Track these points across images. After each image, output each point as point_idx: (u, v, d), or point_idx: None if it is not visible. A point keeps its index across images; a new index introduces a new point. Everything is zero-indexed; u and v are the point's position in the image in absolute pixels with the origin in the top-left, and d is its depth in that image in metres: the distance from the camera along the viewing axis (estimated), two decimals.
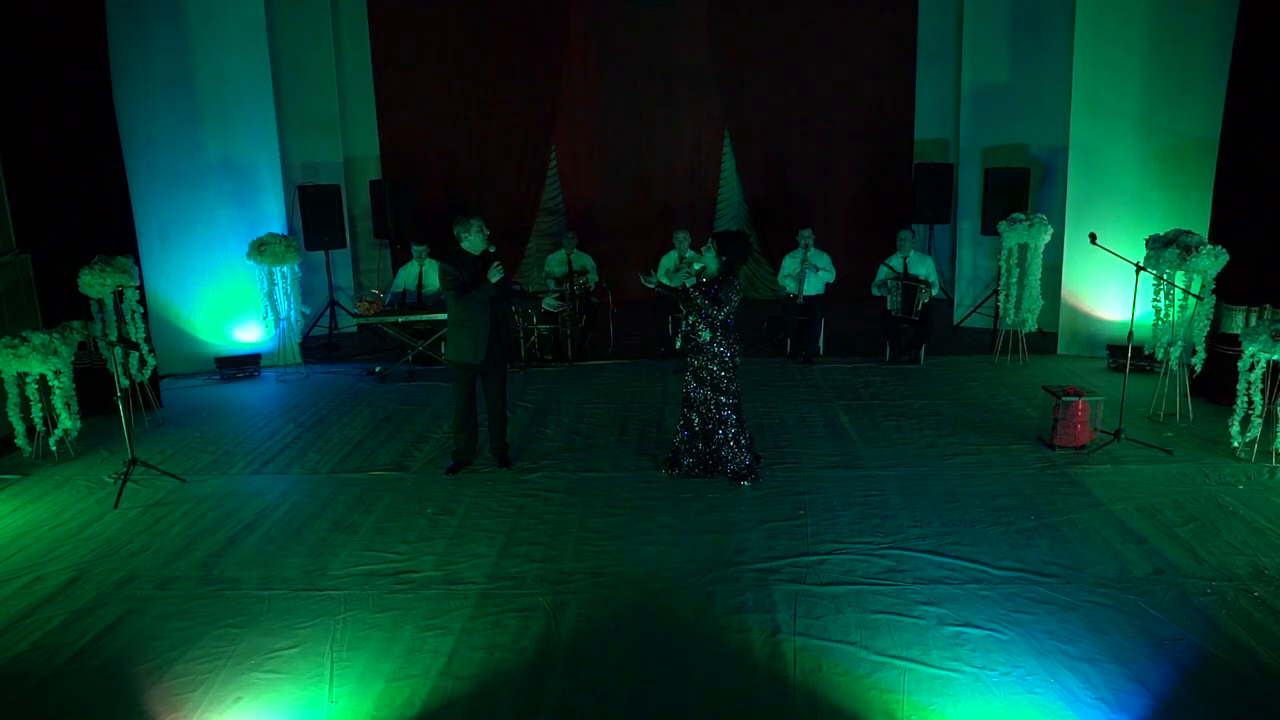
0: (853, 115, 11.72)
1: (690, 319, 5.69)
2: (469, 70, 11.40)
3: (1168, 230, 6.77)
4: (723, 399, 5.69)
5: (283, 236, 8.58)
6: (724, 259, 5.63)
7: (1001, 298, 8.61)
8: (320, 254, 10.05)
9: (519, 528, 5.20)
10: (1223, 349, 6.97)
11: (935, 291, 8.89)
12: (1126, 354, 6.51)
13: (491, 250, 5.87)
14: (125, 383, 6.87)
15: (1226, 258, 6.51)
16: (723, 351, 5.65)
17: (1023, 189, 9.50)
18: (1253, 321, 6.85)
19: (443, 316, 8.11)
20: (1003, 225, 8.46)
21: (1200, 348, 6.78)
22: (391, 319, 8.57)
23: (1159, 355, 6.96)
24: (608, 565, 4.71)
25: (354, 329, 10.43)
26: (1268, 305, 6.94)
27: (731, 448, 5.72)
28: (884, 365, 8.64)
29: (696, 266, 5.79)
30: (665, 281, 8.56)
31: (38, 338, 6.19)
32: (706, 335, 5.63)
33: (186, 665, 3.89)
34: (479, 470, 6.14)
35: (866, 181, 11.93)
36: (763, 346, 9.34)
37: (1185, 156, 8.19)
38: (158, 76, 8.35)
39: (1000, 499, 5.46)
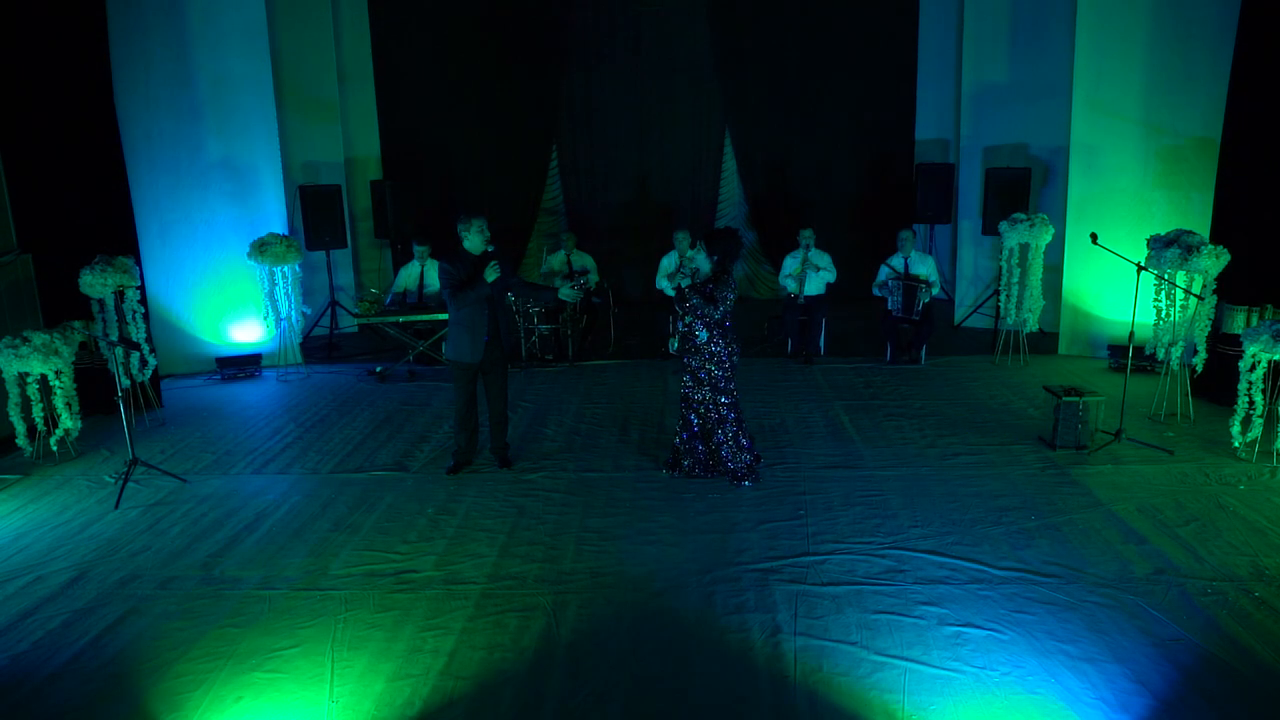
0: (853, 115, 11.72)
1: (687, 320, 5.69)
2: (469, 70, 11.40)
3: (1169, 230, 6.77)
4: (722, 399, 5.70)
5: (283, 236, 8.58)
6: (715, 258, 5.63)
7: (1002, 298, 8.61)
8: (321, 254, 10.05)
9: (520, 528, 5.20)
10: (1224, 349, 6.97)
11: (936, 291, 8.89)
12: (1128, 354, 6.50)
13: (490, 250, 5.86)
14: (126, 383, 6.87)
15: (1228, 258, 6.51)
16: (720, 351, 5.65)
17: (1023, 189, 9.50)
18: (1254, 321, 6.85)
19: (443, 317, 8.12)
20: (1003, 225, 8.45)
21: (1201, 348, 6.77)
22: (392, 319, 8.57)
23: (1160, 355, 6.96)
24: (608, 565, 4.72)
25: (355, 329, 10.43)
26: (1269, 305, 6.95)
27: (731, 448, 5.73)
28: (885, 365, 8.63)
29: (694, 266, 5.81)
30: (666, 292, 8.59)
31: (39, 337, 6.20)
32: (704, 335, 5.64)
33: (187, 665, 3.90)
34: (480, 470, 6.14)
35: (867, 181, 11.93)
36: (763, 347, 9.33)
37: (1186, 156, 8.19)
38: (158, 76, 8.35)
39: (1001, 499, 5.46)
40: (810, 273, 8.93)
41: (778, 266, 9.63)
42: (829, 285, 9.10)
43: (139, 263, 7.47)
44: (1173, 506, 5.30)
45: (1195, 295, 6.66)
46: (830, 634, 4.01)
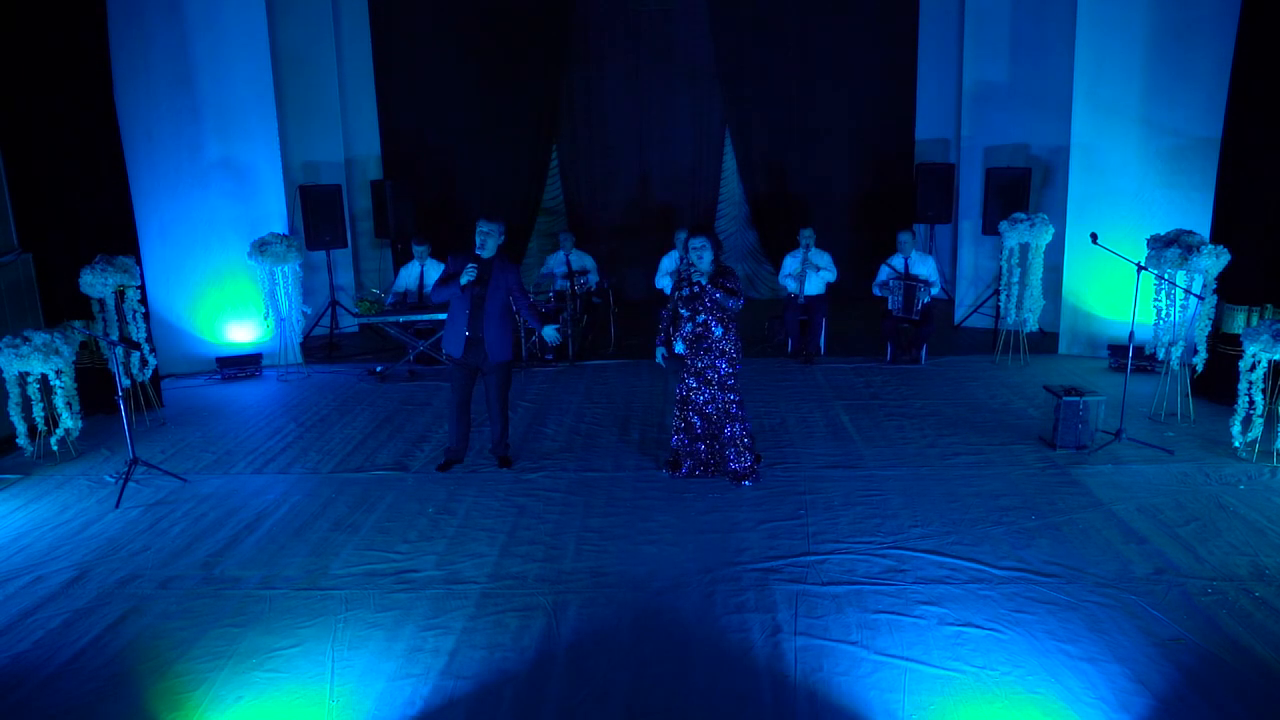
0: (854, 115, 11.71)
1: (701, 318, 5.64)
2: (470, 70, 11.40)
3: (1169, 230, 6.77)
4: (731, 396, 5.68)
5: (284, 236, 8.58)
6: (715, 253, 5.60)
7: (1002, 297, 8.61)
8: (321, 254, 10.05)
9: (520, 527, 5.20)
10: (1224, 349, 6.97)
11: (936, 291, 8.89)
12: (1128, 354, 6.50)
13: (480, 255, 5.83)
14: (126, 382, 6.87)
15: (1228, 257, 6.52)
16: (730, 349, 5.64)
17: (1024, 189, 9.50)
18: (1254, 321, 6.85)
19: (443, 316, 8.11)
20: (1004, 225, 8.45)
21: (1201, 348, 6.77)
22: (393, 319, 8.57)
23: (1160, 355, 6.96)
24: (609, 565, 4.72)
25: (355, 329, 10.43)
26: (1269, 305, 6.95)
27: (737, 446, 5.72)
28: (885, 365, 8.63)
29: (682, 267, 5.79)
30: (666, 292, 8.56)
31: (39, 337, 6.20)
32: (719, 331, 5.61)
33: (188, 664, 3.90)
34: (480, 470, 6.14)
35: (867, 181, 11.92)
36: (763, 346, 9.33)
37: (1187, 156, 8.18)
38: (159, 76, 8.35)
39: (1001, 499, 5.46)
40: (810, 272, 8.93)
41: (778, 266, 9.63)
42: (829, 285, 9.10)
43: (139, 262, 7.47)
44: (1173, 506, 5.30)
45: (1195, 295, 6.66)
46: (830, 634, 4.01)
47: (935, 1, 11.30)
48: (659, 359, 5.93)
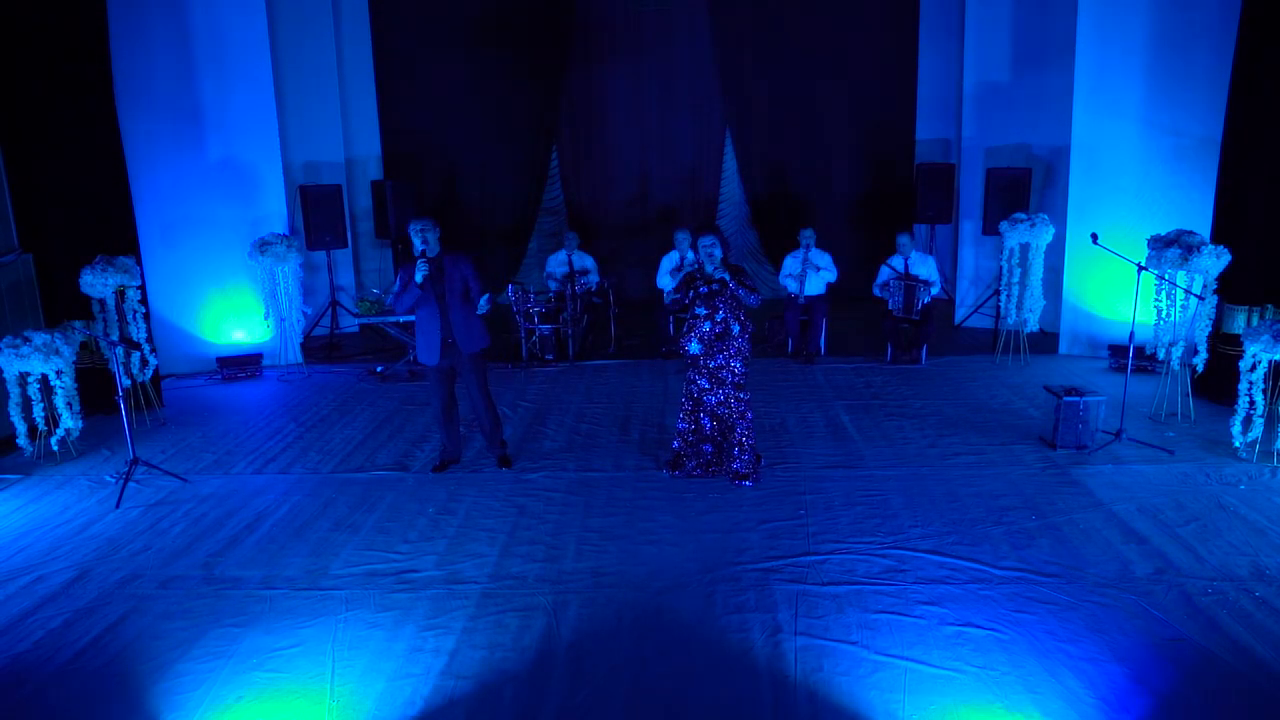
0: (854, 115, 11.71)
1: (720, 316, 5.60)
2: (470, 70, 11.40)
3: (1170, 230, 6.77)
4: (742, 395, 5.67)
5: (284, 236, 8.58)
6: (724, 251, 5.59)
7: (1003, 298, 8.61)
8: (322, 254, 10.06)
9: (520, 527, 5.20)
10: (1224, 349, 6.96)
11: (936, 291, 8.88)
12: (1128, 354, 6.50)
13: (423, 252, 5.76)
14: (127, 382, 6.87)
15: (1229, 258, 6.51)
16: (744, 347, 5.64)
17: (1024, 189, 9.50)
18: (1254, 321, 6.85)
19: None
20: (1004, 225, 8.45)
21: (1202, 348, 6.77)
22: (393, 319, 8.57)
23: (1160, 355, 6.96)
24: (609, 565, 4.72)
25: (355, 329, 10.43)
26: (1269, 305, 6.94)
27: (741, 446, 5.71)
28: (885, 365, 8.63)
29: (693, 268, 5.76)
30: (670, 291, 8.52)
31: (40, 337, 6.20)
32: (736, 328, 5.60)
33: (188, 664, 3.90)
34: (480, 470, 6.14)
35: (868, 181, 11.92)
36: (763, 347, 9.33)
37: (1187, 156, 8.18)
38: (159, 75, 8.35)
39: (1001, 499, 5.46)
40: (811, 273, 8.93)
41: (778, 266, 9.63)
42: (829, 285, 9.10)
43: (140, 262, 7.47)
44: (1173, 506, 5.30)
45: (1196, 295, 6.66)
46: (831, 634, 4.01)
47: (936, 1, 11.30)
48: (694, 349, 5.67)
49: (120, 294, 7.17)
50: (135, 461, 5.99)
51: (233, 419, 7.47)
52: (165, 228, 8.55)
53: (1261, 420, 5.91)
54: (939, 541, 4.89)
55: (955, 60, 10.74)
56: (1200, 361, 6.79)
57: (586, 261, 9.75)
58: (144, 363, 7.31)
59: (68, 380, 6.38)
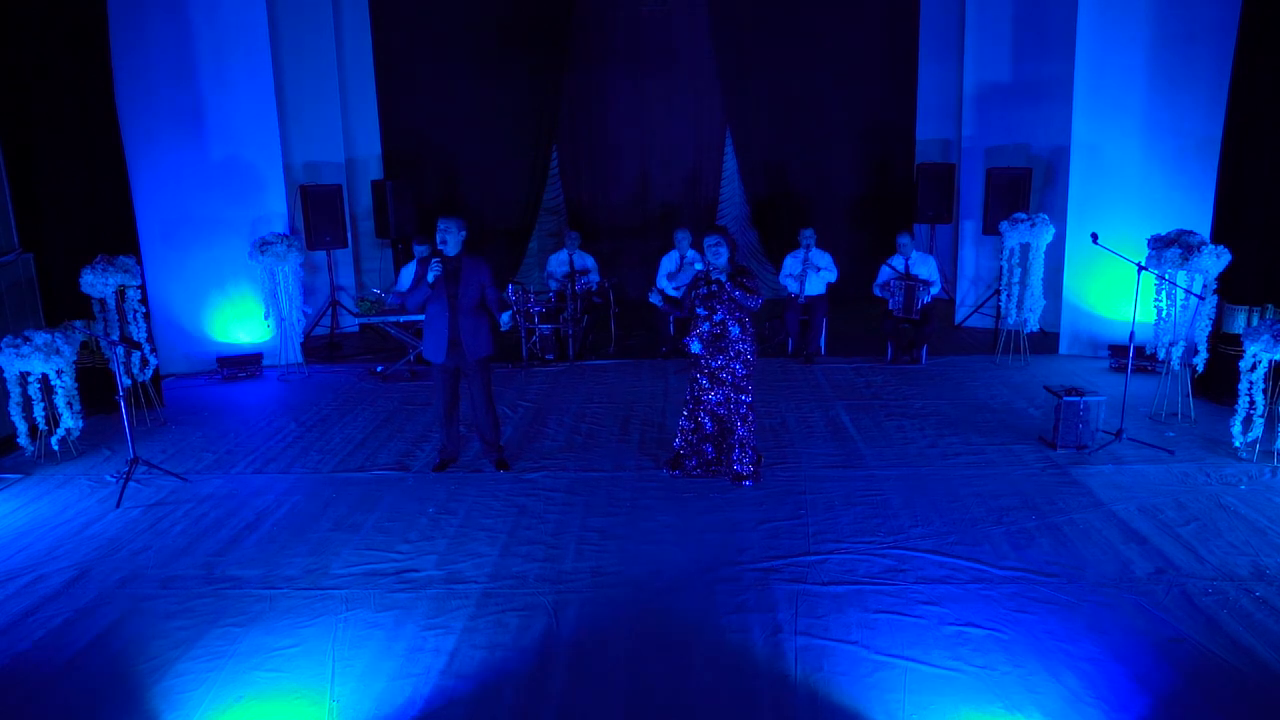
0: (854, 115, 11.71)
1: (718, 317, 5.61)
2: (470, 70, 11.40)
3: (1170, 230, 6.77)
4: (743, 396, 5.67)
5: (285, 236, 8.58)
6: (730, 252, 5.58)
7: (1003, 297, 8.61)
8: (322, 253, 10.05)
9: (521, 527, 5.20)
10: (1224, 349, 6.96)
11: (936, 290, 8.88)
12: (1128, 354, 6.50)
13: (442, 253, 5.77)
14: (127, 382, 6.87)
15: (1229, 257, 6.51)
16: (745, 350, 5.62)
17: (1025, 189, 9.50)
18: (1254, 321, 6.85)
19: None
20: (1004, 225, 8.45)
21: (1202, 348, 6.77)
22: (394, 319, 8.57)
23: (1161, 355, 6.96)
24: (609, 564, 4.72)
25: (356, 328, 10.43)
26: (1270, 305, 6.94)
27: (742, 447, 5.71)
28: (885, 365, 8.63)
29: (699, 267, 5.74)
30: (669, 292, 8.51)
31: (40, 337, 6.20)
32: (736, 330, 5.59)
33: (188, 664, 3.90)
34: (480, 470, 6.14)
35: (868, 181, 11.92)
36: (763, 346, 9.32)
37: (1187, 156, 8.18)
38: (159, 76, 8.35)
39: (1002, 499, 5.46)
40: (811, 273, 8.93)
41: (778, 266, 9.64)
42: (830, 285, 9.10)
43: (140, 262, 7.47)
44: (1173, 506, 5.30)
45: (1196, 295, 6.66)
46: (831, 633, 4.01)
47: (935, 1, 11.30)
48: (694, 349, 5.68)
49: (121, 294, 7.17)
50: (135, 461, 5.99)
51: (233, 419, 7.48)
52: (166, 227, 8.54)
53: (1262, 420, 5.91)
54: (939, 541, 4.89)
55: (955, 60, 10.74)
56: (1200, 361, 6.79)
57: (587, 261, 9.75)
58: (144, 362, 7.31)
59: (68, 380, 6.38)
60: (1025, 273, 8.42)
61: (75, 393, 6.46)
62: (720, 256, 5.54)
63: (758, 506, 5.41)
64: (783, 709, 3.51)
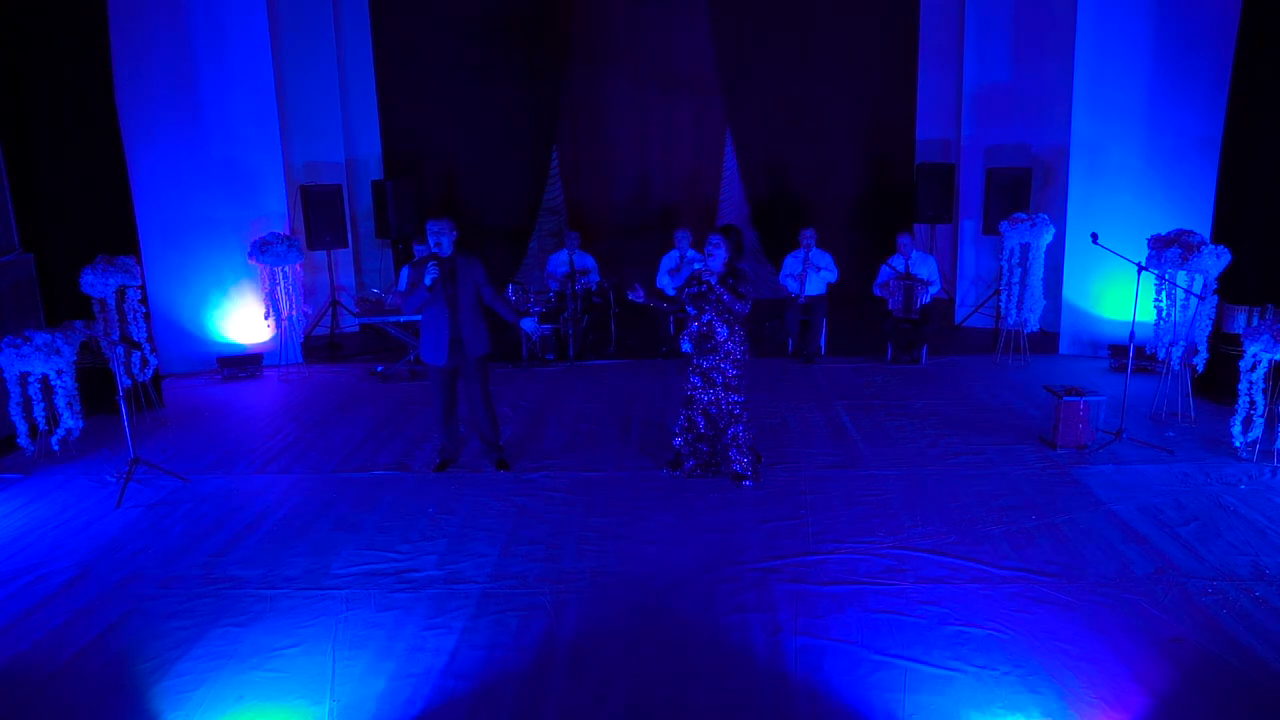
0: (854, 115, 11.71)
1: (706, 318, 5.63)
2: (471, 70, 11.39)
3: (1170, 230, 6.77)
4: (735, 397, 5.67)
5: (285, 236, 8.58)
6: (731, 254, 5.59)
7: (1003, 297, 8.61)
8: (323, 253, 10.05)
9: (521, 527, 5.20)
10: (1225, 349, 6.96)
11: (936, 291, 8.88)
12: (1129, 354, 6.50)
13: (436, 253, 5.76)
14: (128, 382, 6.87)
15: (1229, 257, 6.51)
16: (735, 350, 5.62)
17: (1025, 189, 9.50)
18: (1254, 321, 6.85)
19: None
20: (1004, 225, 8.45)
21: (1202, 348, 6.77)
22: (393, 319, 8.57)
23: (1161, 355, 6.96)
24: (609, 564, 4.72)
25: (356, 329, 10.43)
26: (1270, 304, 6.94)
27: (739, 447, 5.72)
28: (885, 365, 8.63)
29: (698, 266, 5.75)
30: (669, 292, 8.53)
31: (40, 337, 6.20)
32: (724, 332, 5.60)
33: (189, 664, 3.90)
34: (480, 470, 6.15)
35: (868, 181, 11.92)
36: (763, 346, 9.33)
37: (1188, 156, 8.18)
38: (159, 76, 8.35)
39: (1002, 498, 5.46)
40: (811, 273, 8.93)
41: (778, 266, 9.64)
42: (830, 285, 9.10)
43: (140, 262, 7.47)
44: (1173, 506, 5.30)
45: (1196, 295, 6.66)
46: (831, 633, 4.01)
47: (936, 1, 11.30)
48: (685, 348, 5.76)
49: (121, 294, 7.17)
50: (136, 461, 5.99)
51: (233, 419, 7.48)
52: (166, 228, 8.54)
53: (1262, 420, 5.91)
54: (939, 541, 4.89)
55: (955, 60, 10.74)
56: (1200, 361, 6.79)
57: (587, 261, 9.75)
58: (144, 362, 7.32)
59: (68, 380, 6.38)
60: (1025, 273, 8.42)
61: (75, 393, 6.46)
62: (715, 258, 5.54)
63: (758, 506, 5.41)
64: (783, 709, 3.51)
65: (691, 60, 11.66)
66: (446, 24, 11.27)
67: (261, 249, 8.40)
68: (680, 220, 10.87)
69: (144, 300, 7.34)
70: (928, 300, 8.58)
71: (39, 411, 6.36)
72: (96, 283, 6.94)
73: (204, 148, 8.66)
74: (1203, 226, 7.56)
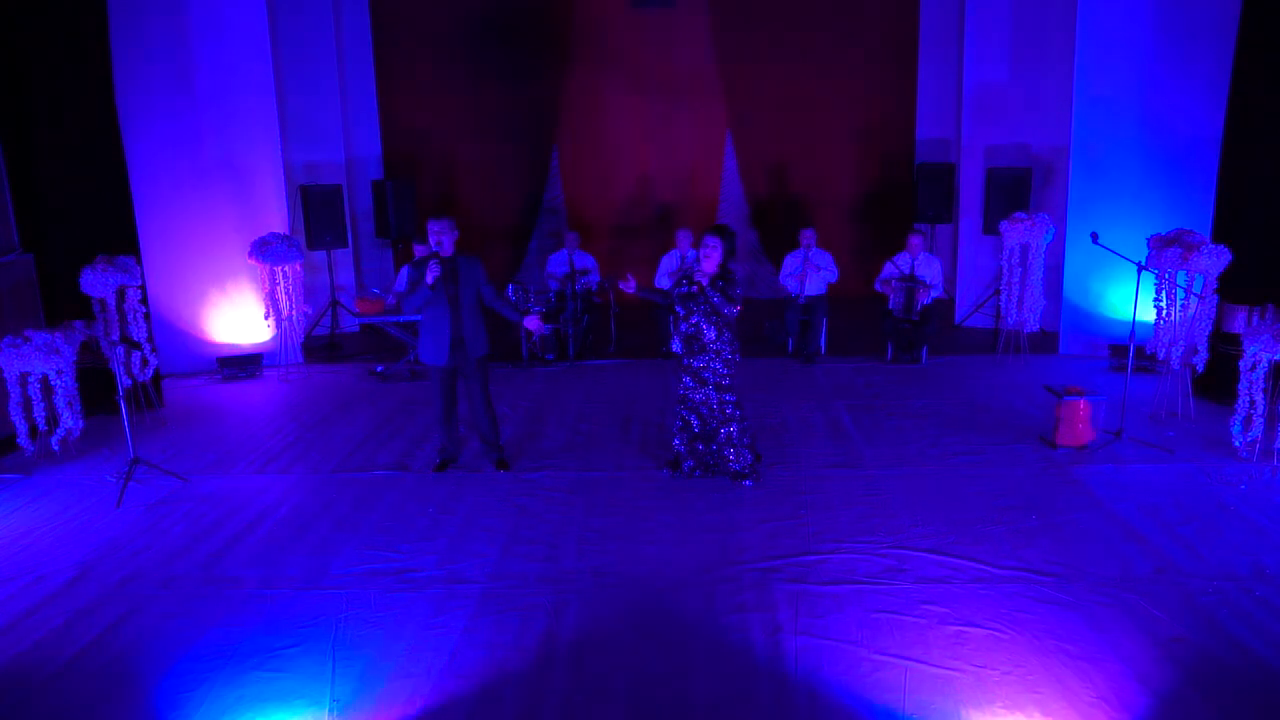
0: (854, 115, 11.71)
1: (694, 319, 5.65)
2: (470, 70, 11.40)
3: (1170, 229, 6.76)
4: (727, 396, 5.67)
5: (285, 236, 8.57)
6: (727, 255, 5.60)
7: (1003, 297, 8.61)
8: (322, 253, 10.05)
9: (521, 527, 5.20)
10: (1225, 348, 6.96)
11: (938, 294, 8.87)
12: (1129, 353, 6.50)
13: (435, 253, 5.75)
14: (127, 382, 6.87)
15: (1229, 257, 6.51)
16: (725, 350, 5.63)
17: (1024, 188, 9.50)
18: (1254, 321, 6.84)
19: None
20: (1004, 225, 8.45)
21: (1202, 347, 6.77)
22: (394, 318, 8.57)
23: (1161, 355, 6.96)
24: (610, 564, 4.72)
25: (356, 328, 10.43)
26: (1270, 304, 6.94)
27: (735, 446, 5.72)
28: (885, 365, 8.63)
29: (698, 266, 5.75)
30: (662, 287, 8.53)
31: (40, 337, 6.20)
32: (712, 333, 5.60)
33: (188, 664, 3.90)
34: (480, 470, 6.14)
35: (868, 181, 11.92)
36: (762, 346, 9.33)
37: (1188, 155, 8.18)
38: (159, 76, 8.34)
39: (1002, 498, 5.46)
40: (811, 272, 8.93)
41: (778, 266, 9.64)
42: (830, 285, 9.10)
43: (140, 262, 7.47)
44: (1173, 506, 5.30)
45: (1196, 295, 6.66)
46: (831, 633, 4.01)
47: (935, 1, 11.30)
48: (675, 348, 5.85)
49: (120, 294, 7.17)
50: (136, 461, 5.99)
51: (233, 419, 7.48)
52: (166, 227, 8.54)
53: (1262, 420, 5.91)
54: (939, 541, 4.89)
55: (955, 60, 10.74)
56: (1200, 361, 6.79)
57: (587, 261, 9.74)
58: (144, 362, 7.31)
59: (68, 380, 6.38)
60: (1025, 272, 8.42)
61: (75, 393, 6.45)
62: (710, 260, 5.55)
63: (758, 506, 5.41)
64: (783, 709, 3.51)
65: (691, 60, 11.65)
66: (446, 23, 11.28)
67: (261, 249, 8.39)
68: (680, 220, 10.87)
69: (144, 300, 7.33)
70: (928, 302, 8.58)
71: (39, 412, 6.35)
72: (96, 282, 6.93)
73: (204, 147, 8.65)
74: (1203, 226, 7.56)
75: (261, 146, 8.94)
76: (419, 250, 9.04)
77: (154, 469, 6.14)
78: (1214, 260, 6.47)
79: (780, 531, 5.05)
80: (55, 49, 7.09)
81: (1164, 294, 6.73)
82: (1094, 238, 6.52)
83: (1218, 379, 6.92)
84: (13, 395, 6.27)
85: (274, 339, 8.94)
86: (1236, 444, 6.01)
